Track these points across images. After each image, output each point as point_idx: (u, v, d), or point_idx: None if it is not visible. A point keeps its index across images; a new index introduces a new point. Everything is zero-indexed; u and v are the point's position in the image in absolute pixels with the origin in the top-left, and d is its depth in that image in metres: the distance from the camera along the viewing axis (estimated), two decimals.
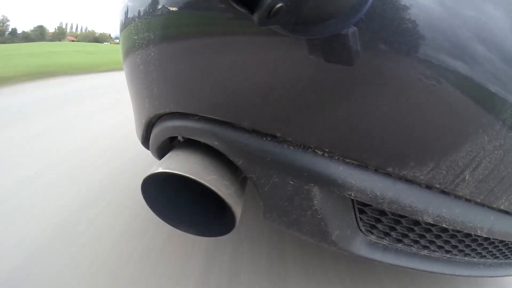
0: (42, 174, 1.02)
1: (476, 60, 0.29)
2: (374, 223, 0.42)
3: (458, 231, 0.44)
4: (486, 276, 0.53)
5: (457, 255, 0.49)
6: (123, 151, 1.29)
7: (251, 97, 0.35)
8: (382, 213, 0.41)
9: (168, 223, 0.49)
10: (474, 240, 0.48)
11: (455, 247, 0.47)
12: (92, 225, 0.77)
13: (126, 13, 0.47)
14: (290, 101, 0.33)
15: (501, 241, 0.51)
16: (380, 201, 0.36)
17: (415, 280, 0.70)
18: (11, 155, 1.16)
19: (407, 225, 0.42)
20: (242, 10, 0.24)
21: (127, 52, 0.49)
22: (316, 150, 0.36)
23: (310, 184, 0.37)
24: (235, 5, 0.24)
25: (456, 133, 0.32)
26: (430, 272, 0.46)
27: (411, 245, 0.45)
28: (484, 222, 0.40)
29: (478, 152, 0.33)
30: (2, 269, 0.60)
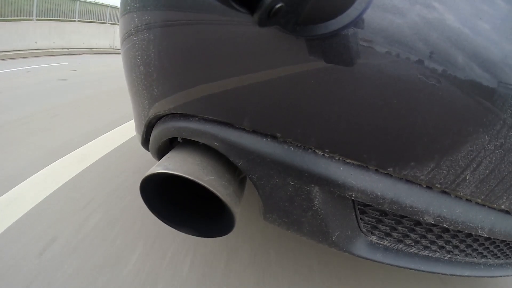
0: None
1: (476, 59, 0.29)
2: (375, 224, 0.42)
3: (459, 231, 0.44)
4: (487, 276, 0.53)
5: (458, 255, 0.48)
6: None
7: (251, 98, 0.35)
8: (383, 213, 0.41)
9: (168, 224, 0.48)
10: (475, 240, 0.48)
11: (456, 247, 0.47)
12: None
13: (126, 13, 0.47)
14: (290, 101, 0.33)
15: (502, 241, 0.51)
16: (381, 201, 0.36)
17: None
18: None
19: (408, 225, 0.42)
20: (242, 10, 0.24)
21: (127, 53, 0.49)
22: (317, 151, 0.35)
23: (311, 184, 0.36)
24: (235, 5, 0.24)
25: (457, 132, 0.32)
26: (431, 272, 0.46)
27: (412, 246, 0.45)
28: (485, 222, 0.40)
29: (479, 152, 0.33)
30: None
